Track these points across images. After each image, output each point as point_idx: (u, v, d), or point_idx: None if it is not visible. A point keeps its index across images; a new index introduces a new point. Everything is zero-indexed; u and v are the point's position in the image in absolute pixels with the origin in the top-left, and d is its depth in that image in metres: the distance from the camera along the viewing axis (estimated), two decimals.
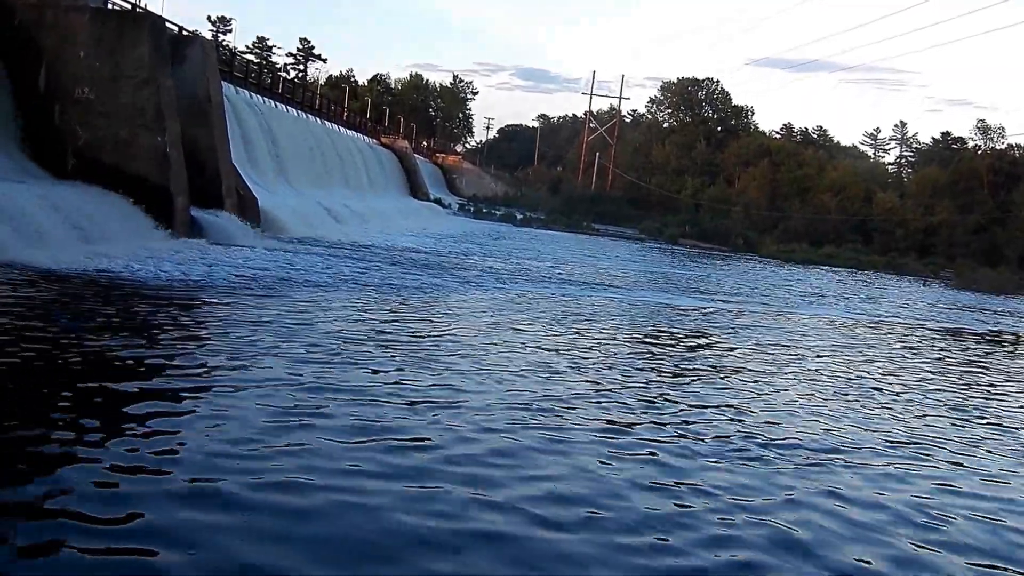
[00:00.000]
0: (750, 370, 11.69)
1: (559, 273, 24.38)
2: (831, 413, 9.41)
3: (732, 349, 13.60)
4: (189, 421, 6.25)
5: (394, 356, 9.60)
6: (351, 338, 10.30)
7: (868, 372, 12.89)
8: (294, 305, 12.42)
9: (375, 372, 8.65)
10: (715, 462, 6.88)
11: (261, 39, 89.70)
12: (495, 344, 11.26)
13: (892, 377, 12.77)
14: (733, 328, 16.50)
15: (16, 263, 12.52)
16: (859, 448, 7.88)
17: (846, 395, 10.70)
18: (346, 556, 4.47)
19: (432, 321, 13.04)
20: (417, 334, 11.35)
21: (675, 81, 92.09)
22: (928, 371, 13.91)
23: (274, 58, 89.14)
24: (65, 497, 4.67)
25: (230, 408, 6.65)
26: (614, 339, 13.22)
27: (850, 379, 12.02)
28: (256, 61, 62.13)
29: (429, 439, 6.53)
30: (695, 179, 77.12)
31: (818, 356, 13.93)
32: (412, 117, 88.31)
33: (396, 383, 8.30)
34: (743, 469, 6.77)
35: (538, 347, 11.45)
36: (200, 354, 8.60)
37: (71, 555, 4.08)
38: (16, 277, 11.67)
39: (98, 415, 6.11)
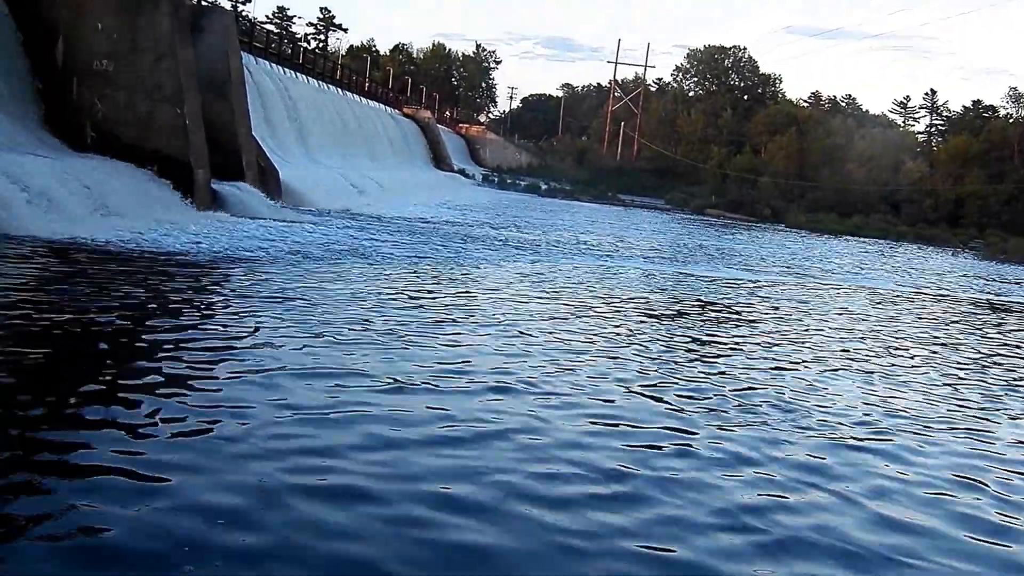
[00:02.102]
0: (794, 343, 11.37)
1: (590, 244, 24.07)
2: (881, 387, 9.11)
3: (774, 321, 13.26)
4: (222, 399, 6.04)
5: (430, 331, 9.34)
6: (383, 312, 10.04)
7: (913, 344, 12.57)
8: (322, 278, 12.23)
9: (415, 351, 8.30)
10: (762, 435, 6.64)
11: (281, 9, 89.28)
12: (536, 318, 10.99)
13: (937, 349, 12.44)
14: (772, 300, 16.13)
15: (37, 236, 12.46)
16: (908, 424, 7.58)
17: (895, 369, 10.37)
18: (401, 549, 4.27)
19: (466, 295, 12.74)
20: (452, 308, 11.11)
21: (701, 49, 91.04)
22: (975, 345, 13.54)
23: (294, 28, 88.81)
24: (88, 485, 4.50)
25: (259, 391, 6.39)
26: (654, 312, 12.93)
27: (896, 352, 11.69)
28: (276, 31, 61.86)
29: (481, 419, 6.33)
30: (721, 148, 76.30)
31: (859, 328, 13.58)
32: (435, 87, 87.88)
33: (432, 358, 8.05)
34: (792, 441, 6.56)
35: (579, 321, 11.19)
36: (231, 329, 8.42)
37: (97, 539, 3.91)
38: (37, 251, 11.59)
39: (122, 391, 5.94)
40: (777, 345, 11.22)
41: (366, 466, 5.19)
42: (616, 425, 6.65)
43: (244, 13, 70.00)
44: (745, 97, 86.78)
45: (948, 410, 8.58)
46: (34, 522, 3.97)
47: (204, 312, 9.22)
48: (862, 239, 48.83)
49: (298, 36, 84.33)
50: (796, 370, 9.62)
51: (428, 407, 6.51)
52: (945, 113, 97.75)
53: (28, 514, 4.04)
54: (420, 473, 5.17)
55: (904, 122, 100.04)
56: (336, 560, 4.06)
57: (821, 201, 62.29)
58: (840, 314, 15.40)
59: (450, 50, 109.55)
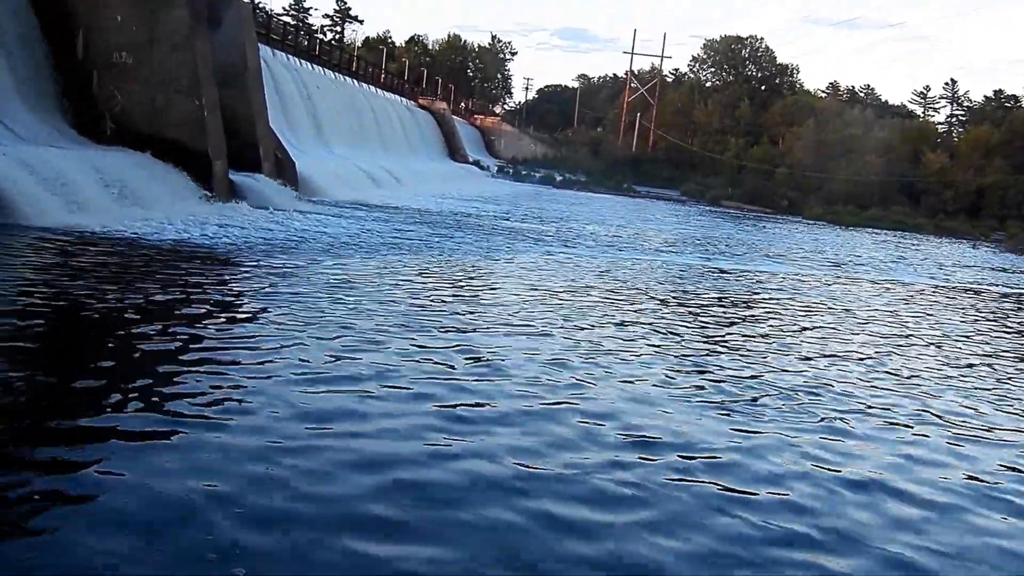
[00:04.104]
0: (835, 341, 11.22)
1: (609, 236, 23.99)
2: (922, 386, 8.99)
3: (811, 318, 13.10)
4: (244, 394, 6.02)
5: (453, 324, 9.25)
6: (404, 306, 9.97)
7: (953, 342, 12.44)
8: (341, 269, 12.21)
9: (436, 348, 8.18)
10: (798, 432, 6.58)
11: (297, 0, 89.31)
12: (563, 314, 10.80)
13: (979, 345, 12.30)
14: (806, 296, 15.91)
15: (57, 228, 12.52)
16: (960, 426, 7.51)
17: (938, 367, 10.26)
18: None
19: (490, 288, 12.66)
20: (473, 300, 11.05)
21: (718, 39, 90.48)
22: (1013, 343, 13.37)
23: (311, 20, 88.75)
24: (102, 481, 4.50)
25: (281, 387, 6.32)
26: (682, 306, 12.85)
27: (937, 350, 11.58)
28: (292, 23, 61.83)
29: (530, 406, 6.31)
30: (738, 139, 75.84)
31: (901, 325, 13.44)
32: (450, 78, 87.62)
33: (460, 353, 7.98)
34: (836, 436, 6.55)
35: (605, 314, 11.12)
36: (253, 320, 8.42)
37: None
38: (58, 242, 11.64)
39: (143, 380, 5.95)
40: (819, 342, 11.10)
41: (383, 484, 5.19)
42: (642, 418, 6.60)
43: (261, 5, 70.03)
44: (762, 87, 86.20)
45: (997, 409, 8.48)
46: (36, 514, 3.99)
47: (225, 304, 9.20)
48: (881, 231, 48.35)
49: (314, 28, 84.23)
50: (841, 368, 9.47)
51: (459, 404, 6.49)
52: (966, 103, 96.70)
53: (29, 508, 4.06)
54: (446, 464, 5.17)
55: (924, 112, 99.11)
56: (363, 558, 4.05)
57: (838, 193, 61.81)
58: (879, 311, 15.15)
59: (466, 41, 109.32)
